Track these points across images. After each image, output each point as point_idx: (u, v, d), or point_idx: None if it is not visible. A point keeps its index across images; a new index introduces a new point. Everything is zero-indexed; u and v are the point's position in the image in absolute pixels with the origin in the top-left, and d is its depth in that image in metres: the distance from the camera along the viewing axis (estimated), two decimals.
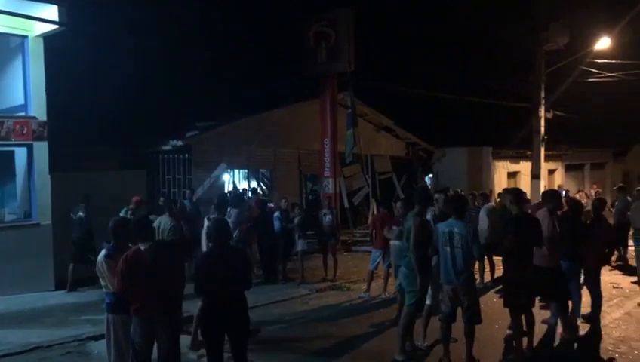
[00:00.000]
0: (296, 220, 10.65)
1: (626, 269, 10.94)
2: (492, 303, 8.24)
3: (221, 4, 18.02)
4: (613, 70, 16.68)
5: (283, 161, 15.61)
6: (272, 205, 12.18)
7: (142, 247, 4.64)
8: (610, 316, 7.81)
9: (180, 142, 13.10)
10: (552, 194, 7.35)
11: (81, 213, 9.71)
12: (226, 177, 14.90)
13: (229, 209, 9.15)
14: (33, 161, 9.72)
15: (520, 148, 20.09)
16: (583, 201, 11.96)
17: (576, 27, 16.02)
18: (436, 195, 7.16)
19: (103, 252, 5.00)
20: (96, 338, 6.73)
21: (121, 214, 8.56)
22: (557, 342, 6.79)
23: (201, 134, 13.79)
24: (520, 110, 17.57)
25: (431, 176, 20.53)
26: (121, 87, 14.99)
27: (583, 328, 7.20)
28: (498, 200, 12.05)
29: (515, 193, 6.46)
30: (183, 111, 15.94)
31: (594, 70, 16.70)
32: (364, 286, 9.46)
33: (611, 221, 10.23)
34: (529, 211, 7.97)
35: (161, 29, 15.62)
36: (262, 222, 10.65)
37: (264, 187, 16.32)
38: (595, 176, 24.01)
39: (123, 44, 12.88)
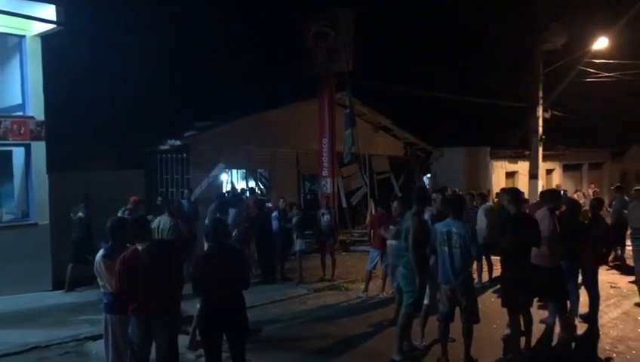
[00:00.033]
0: (294, 220, 10.66)
1: (623, 269, 10.97)
2: (490, 303, 8.25)
3: (220, 3, 18.01)
4: (610, 70, 16.71)
5: (281, 160, 15.61)
6: (270, 205, 12.18)
7: (139, 247, 4.64)
8: (607, 315, 7.84)
9: (178, 142, 13.09)
10: (552, 194, 7.35)
11: (80, 213, 9.70)
12: (224, 177, 14.89)
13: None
14: (31, 161, 9.71)
15: (518, 148, 20.11)
16: (580, 201, 11.97)
17: (575, 27, 16.04)
18: (434, 195, 7.17)
19: (101, 252, 5.00)
20: (94, 338, 6.72)
21: (119, 214, 8.54)
22: (555, 341, 6.80)
23: (199, 134, 13.78)
24: (518, 110, 17.59)
25: (429, 175, 20.54)
26: (119, 87, 14.97)
27: (581, 328, 7.21)
28: (496, 200, 12.07)
29: (512, 193, 6.47)
30: (181, 110, 15.93)
31: (592, 70, 16.73)
32: (363, 286, 9.48)
33: (609, 221, 10.25)
34: (527, 211, 7.98)
35: (159, 29, 15.60)
36: (260, 222, 10.65)
37: (262, 187, 16.32)
38: (593, 176, 24.05)
39: (121, 43, 12.87)
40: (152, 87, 16.11)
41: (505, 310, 6.19)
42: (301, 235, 10.62)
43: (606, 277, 9.80)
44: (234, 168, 15.30)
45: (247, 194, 13.27)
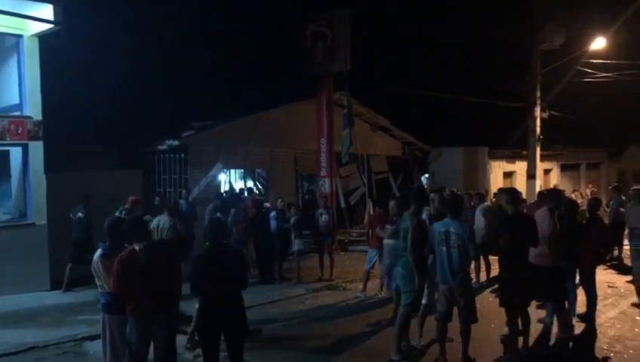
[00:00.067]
0: (292, 220, 10.66)
1: (620, 268, 10.98)
2: (488, 302, 8.27)
3: (218, 3, 18.01)
4: (608, 70, 16.73)
5: (279, 160, 15.61)
6: (268, 205, 12.18)
7: (137, 247, 4.64)
8: (605, 315, 7.85)
9: (175, 142, 13.08)
10: (552, 194, 7.35)
11: (80, 214, 9.68)
12: (222, 177, 14.88)
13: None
14: (28, 161, 9.70)
15: (516, 148, 20.13)
16: (578, 201, 12.00)
17: (572, 27, 16.06)
18: (432, 195, 7.17)
19: (99, 252, 5.01)
20: (92, 338, 6.73)
21: (116, 214, 8.54)
22: (552, 341, 6.82)
23: (197, 134, 13.77)
24: (516, 110, 17.60)
25: (427, 175, 20.55)
26: (117, 87, 14.97)
27: (579, 327, 7.22)
28: (494, 199, 12.08)
29: (510, 193, 6.48)
30: (179, 110, 15.92)
31: (589, 70, 16.75)
32: (361, 286, 9.48)
33: (606, 221, 10.28)
34: (525, 211, 7.99)
35: (157, 29, 15.60)
36: (258, 222, 10.64)
37: (260, 187, 16.32)
38: (591, 176, 24.10)
39: (119, 43, 12.86)
40: (150, 87, 16.11)
41: (503, 310, 6.20)
42: (299, 235, 10.62)
43: (603, 276, 9.82)
44: (232, 168, 15.30)
45: (246, 194, 13.27)
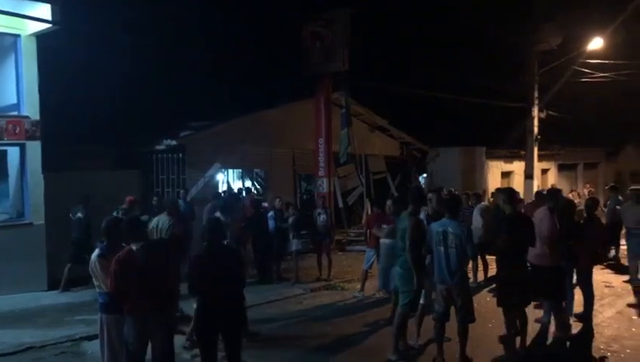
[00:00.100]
0: (290, 220, 10.66)
1: (617, 268, 11.00)
2: (485, 302, 8.27)
3: (218, 3, 17.99)
4: (605, 70, 16.77)
5: (277, 160, 15.60)
6: (266, 205, 12.18)
7: (134, 247, 4.64)
8: (602, 315, 7.87)
9: (173, 142, 13.07)
10: (551, 193, 7.35)
11: (79, 214, 9.67)
12: (220, 177, 14.88)
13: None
14: (26, 161, 9.67)
15: (514, 148, 20.16)
16: (575, 201, 12.03)
17: (570, 27, 16.09)
18: (429, 195, 7.19)
19: (97, 251, 5.01)
20: (90, 338, 6.72)
21: (114, 214, 8.53)
22: (550, 340, 6.83)
23: (195, 134, 13.76)
24: (514, 110, 17.64)
25: (425, 175, 20.57)
26: (115, 87, 14.94)
27: (576, 327, 7.24)
28: (491, 199, 12.10)
29: (507, 193, 6.49)
30: (177, 110, 15.91)
31: (587, 70, 16.78)
32: (359, 286, 9.49)
33: (603, 220, 10.30)
34: (522, 211, 8.01)
35: (155, 29, 15.57)
36: (256, 222, 10.64)
37: (258, 186, 16.32)
38: (588, 175, 24.14)
39: (117, 43, 12.84)
40: (148, 87, 16.08)
41: (500, 309, 6.21)
42: (297, 235, 10.62)
43: (600, 276, 9.84)
44: (230, 168, 15.29)
45: (244, 194, 13.27)
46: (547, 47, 16.28)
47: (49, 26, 9.30)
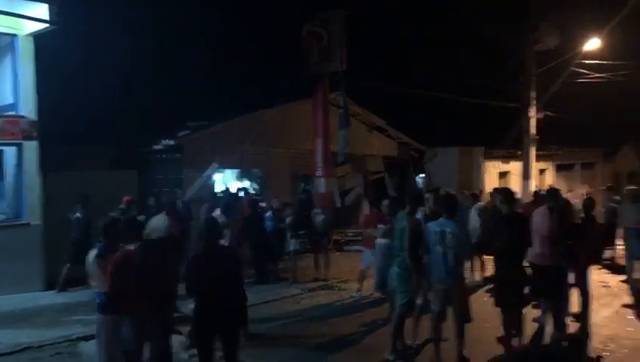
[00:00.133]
0: (288, 220, 10.66)
1: (614, 268, 11.03)
2: (482, 302, 8.27)
3: (216, 2, 17.97)
4: (603, 71, 16.79)
5: (275, 160, 15.60)
6: (263, 204, 12.18)
7: (131, 247, 4.64)
8: (599, 314, 7.87)
9: (171, 142, 13.06)
10: (552, 193, 7.33)
11: (78, 214, 9.65)
12: (217, 177, 14.86)
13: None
14: (23, 161, 9.66)
15: (511, 148, 20.19)
16: (573, 201, 12.04)
17: (567, 28, 16.11)
18: (427, 195, 7.20)
19: (95, 251, 5.00)
20: (87, 338, 6.70)
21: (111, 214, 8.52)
22: (547, 340, 6.84)
23: (192, 134, 13.75)
24: (512, 110, 17.66)
25: (423, 175, 20.58)
26: (113, 87, 14.93)
27: (573, 326, 7.25)
28: (489, 199, 12.10)
29: (504, 192, 6.51)
30: (175, 110, 15.89)
31: (584, 71, 16.81)
32: (356, 286, 9.49)
33: (600, 220, 10.31)
34: (520, 210, 8.01)
35: (153, 28, 15.54)
36: (253, 222, 10.64)
37: (257, 186, 16.31)
38: (586, 176, 24.18)
39: (115, 42, 12.81)
40: (146, 87, 16.06)
41: (498, 309, 6.22)
42: (295, 235, 10.62)
43: (597, 276, 9.86)
44: (228, 168, 15.27)
45: (242, 194, 13.26)
46: (544, 47, 16.31)
47: (46, 25, 9.29)
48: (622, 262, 10.60)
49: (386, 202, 8.15)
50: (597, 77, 16.88)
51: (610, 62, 16.45)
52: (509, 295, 6.07)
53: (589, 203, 8.01)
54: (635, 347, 6.60)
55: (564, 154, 22.77)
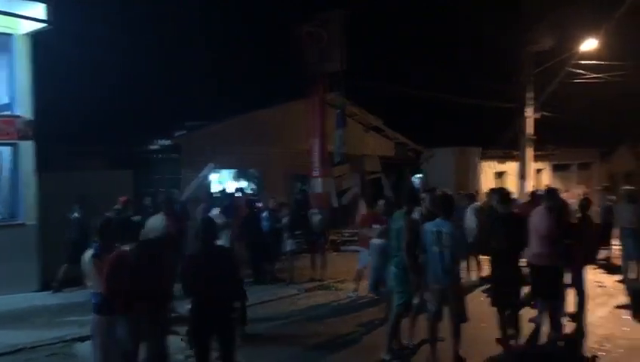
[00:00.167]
0: (284, 220, 10.65)
1: (610, 268, 11.05)
2: (479, 302, 8.27)
3: (213, 2, 17.95)
4: (599, 71, 16.83)
5: (272, 160, 15.59)
6: (260, 205, 12.17)
7: (127, 248, 4.63)
8: (595, 314, 7.90)
9: (168, 142, 13.04)
10: (550, 193, 7.33)
11: (76, 214, 9.62)
12: (214, 177, 14.84)
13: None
14: (18, 161, 9.63)
15: (508, 148, 20.21)
16: (569, 201, 12.06)
17: (564, 28, 16.14)
18: (423, 195, 7.20)
19: (90, 251, 4.99)
20: (82, 339, 6.68)
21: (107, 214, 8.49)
22: (543, 340, 6.85)
23: (189, 134, 13.73)
24: (509, 111, 17.68)
25: (420, 176, 20.59)
26: (109, 86, 14.89)
27: (569, 326, 7.26)
28: (485, 199, 12.11)
29: (501, 193, 6.52)
30: (172, 110, 15.85)
31: (581, 71, 16.84)
32: (353, 286, 9.49)
33: (596, 220, 10.34)
34: (517, 211, 8.03)
35: (150, 28, 15.52)
36: (250, 222, 10.63)
37: (254, 186, 16.29)
38: (582, 176, 24.22)
39: (112, 42, 12.81)
40: (143, 87, 16.02)
41: (494, 309, 6.23)
42: (292, 235, 10.61)
43: (593, 276, 9.88)
44: (225, 168, 15.26)
45: (239, 194, 13.24)
46: (541, 47, 16.34)
47: (43, 25, 9.26)
48: (618, 262, 10.63)
49: (381, 202, 8.16)
50: (593, 77, 16.91)
51: (606, 62, 16.48)
52: (505, 295, 6.07)
53: (585, 203, 8.03)
54: (630, 346, 6.62)
55: (560, 155, 22.80)
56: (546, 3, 16.15)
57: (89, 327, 5.16)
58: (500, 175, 21.00)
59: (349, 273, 10.52)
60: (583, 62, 16.50)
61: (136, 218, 7.08)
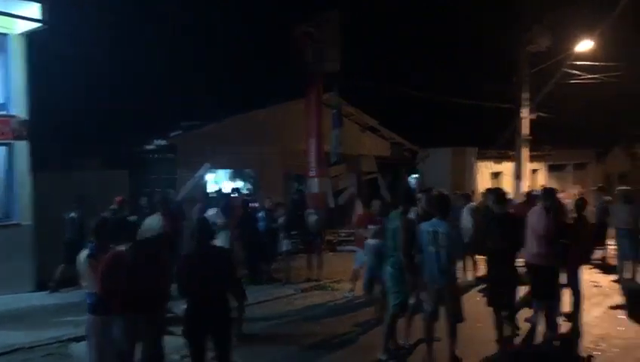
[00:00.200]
0: (280, 220, 10.64)
1: (605, 268, 11.09)
2: (475, 302, 8.29)
3: (210, 2, 17.92)
4: (595, 72, 16.88)
5: (268, 160, 15.59)
6: (256, 205, 12.15)
7: (123, 248, 4.62)
8: (590, 314, 7.92)
9: (164, 142, 13.02)
10: (548, 193, 7.35)
11: (73, 213, 9.59)
12: (210, 177, 14.83)
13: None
14: (13, 161, 9.59)
15: (504, 148, 20.26)
16: (565, 201, 12.09)
17: (560, 29, 16.19)
18: (419, 195, 7.21)
19: (86, 251, 4.98)
20: (78, 339, 6.65)
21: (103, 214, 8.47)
22: (539, 339, 6.87)
23: (185, 133, 13.71)
24: (505, 111, 17.73)
25: (416, 176, 20.63)
26: (105, 86, 14.86)
27: (565, 326, 7.28)
28: (481, 200, 12.14)
29: (497, 193, 6.53)
30: (168, 110, 15.84)
31: (576, 72, 16.89)
32: (349, 286, 9.49)
33: (592, 220, 10.37)
34: (512, 211, 8.04)
35: (146, 28, 15.50)
36: (246, 222, 10.60)
37: (250, 186, 16.28)
38: (578, 176, 24.31)
39: (108, 42, 12.78)
40: (139, 87, 16.00)
41: (490, 309, 6.24)
42: (288, 235, 10.60)
43: (588, 276, 9.91)
44: (221, 168, 15.24)
45: (236, 194, 13.23)
46: (537, 48, 16.38)
47: (38, 25, 9.23)
48: (613, 261, 10.67)
49: (375, 202, 8.14)
50: (589, 78, 16.97)
51: (602, 63, 16.54)
52: (501, 295, 6.08)
53: (580, 203, 8.05)
54: (625, 346, 6.64)
55: (556, 155, 22.88)
56: (542, 4, 16.20)
57: (85, 327, 5.15)
58: (495, 175, 21.04)
59: (346, 273, 10.51)
60: (578, 63, 16.55)
61: (132, 218, 7.07)
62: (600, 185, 13.85)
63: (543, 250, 6.54)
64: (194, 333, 4.77)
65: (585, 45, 15.89)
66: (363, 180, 18.51)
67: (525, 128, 17.27)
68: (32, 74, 9.73)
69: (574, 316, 7.42)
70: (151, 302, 4.64)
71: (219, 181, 15.75)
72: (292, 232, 10.87)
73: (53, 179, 10.27)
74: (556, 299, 7.14)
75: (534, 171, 21.71)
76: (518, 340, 6.56)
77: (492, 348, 6.27)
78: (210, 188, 14.63)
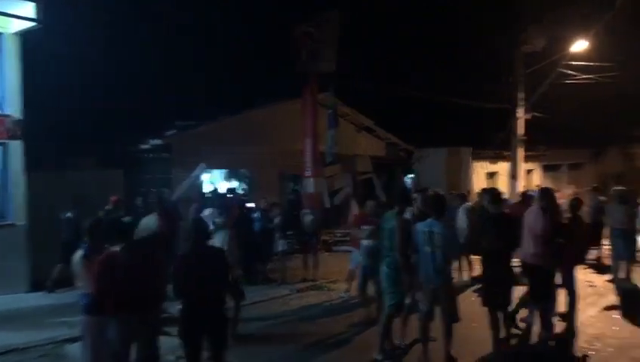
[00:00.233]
0: (276, 220, 10.62)
1: (600, 268, 11.12)
2: (470, 302, 8.30)
3: (207, 2, 17.89)
4: (590, 72, 16.92)
5: (264, 160, 15.57)
6: (252, 205, 12.14)
7: (117, 248, 4.61)
8: (585, 314, 7.94)
9: (159, 141, 12.98)
10: (545, 193, 7.35)
11: (69, 213, 9.55)
12: (205, 177, 14.80)
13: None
14: (7, 160, 9.55)
15: (499, 149, 20.30)
16: (560, 201, 12.12)
17: (555, 29, 16.22)
18: (415, 195, 7.20)
19: (80, 252, 4.96)
20: (73, 340, 6.64)
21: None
22: (534, 339, 6.88)
23: (181, 133, 13.68)
24: (500, 111, 17.76)
25: (412, 176, 20.64)
26: (100, 85, 14.82)
27: (560, 326, 7.30)
28: (476, 200, 12.16)
29: (492, 193, 6.53)
30: (163, 110, 15.80)
31: (571, 72, 16.93)
32: (345, 286, 9.49)
33: (587, 220, 10.39)
34: (508, 211, 8.06)
35: (142, 27, 15.45)
36: (241, 222, 10.58)
37: (246, 186, 16.26)
38: (573, 176, 24.37)
39: (103, 41, 12.74)
40: (134, 86, 15.96)
41: (485, 309, 6.24)
42: (283, 236, 10.59)
43: (583, 275, 9.94)
44: (216, 168, 15.21)
45: (232, 194, 13.21)
46: (532, 48, 16.42)
47: (33, 24, 9.20)
48: (608, 261, 10.70)
49: (369, 203, 8.13)
50: (584, 78, 17.02)
51: (597, 63, 16.59)
52: (496, 295, 6.09)
53: (575, 203, 8.07)
54: (620, 346, 6.66)
55: (551, 155, 22.94)
56: (538, 4, 16.23)
57: (80, 328, 5.12)
58: (491, 175, 21.09)
59: (341, 273, 10.52)
60: (573, 63, 16.59)
61: (127, 218, 7.04)
62: (595, 185, 13.88)
63: (540, 250, 6.55)
64: (190, 334, 4.76)
65: (580, 45, 15.93)
66: (358, 180, 18.49)
67: (520, 128, 17.31)
68: (27, 73, 9.69)
69: (569, 316, 7.42)
70: (146, 302, 4.63)
71: (214, 181, 15.72)
72: (288, 232, 10.86)
73: (47, 178, 10.23)
74: (551, 299, 7.16)
75: (529, 171, 21.77)
76: (513, 340, 6.56)
77: (487, 348, 6.27)
78: (206, 188, 14.60)
